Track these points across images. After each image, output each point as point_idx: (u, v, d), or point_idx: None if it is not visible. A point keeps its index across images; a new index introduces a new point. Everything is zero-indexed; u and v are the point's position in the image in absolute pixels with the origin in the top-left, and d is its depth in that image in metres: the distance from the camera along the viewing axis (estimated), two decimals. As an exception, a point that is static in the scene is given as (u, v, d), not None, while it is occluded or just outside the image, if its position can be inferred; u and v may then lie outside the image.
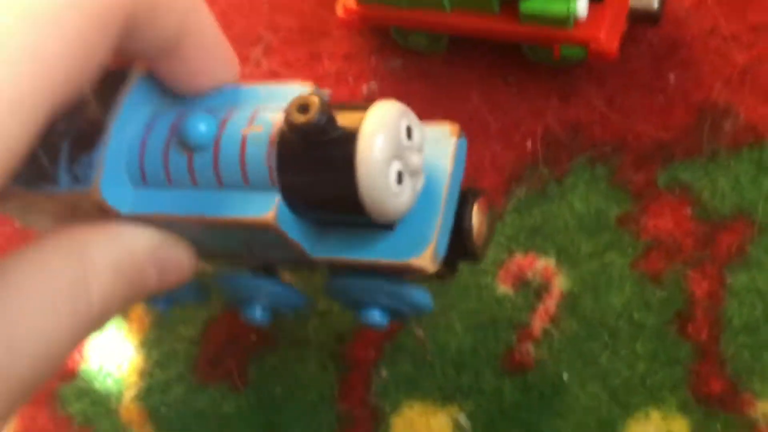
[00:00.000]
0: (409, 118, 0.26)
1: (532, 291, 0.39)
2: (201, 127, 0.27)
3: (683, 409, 0.36)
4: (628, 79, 0.41)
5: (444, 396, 0.39)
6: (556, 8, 0.38)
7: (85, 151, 0.27)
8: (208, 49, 0.27)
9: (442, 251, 0.28)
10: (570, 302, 0.38)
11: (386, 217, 0.26)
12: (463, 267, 0.39)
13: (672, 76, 0.41)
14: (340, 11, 0.43)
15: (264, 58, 0.47)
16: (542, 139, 0.41)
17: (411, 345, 0.40)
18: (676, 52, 0.41)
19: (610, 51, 0.38)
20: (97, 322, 0.24)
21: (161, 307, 0.34)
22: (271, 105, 0.28)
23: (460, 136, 0.29)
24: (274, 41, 0.47)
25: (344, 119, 0.25)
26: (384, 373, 0.39)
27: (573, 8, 0.37)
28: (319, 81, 0.45)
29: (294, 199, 0.27)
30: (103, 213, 0.28)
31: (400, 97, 0.44)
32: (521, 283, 0.39)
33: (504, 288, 0.39)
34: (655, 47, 0.42)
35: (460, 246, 0.29)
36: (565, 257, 0.39)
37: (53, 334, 0.23)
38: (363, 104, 0.26)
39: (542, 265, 0.39)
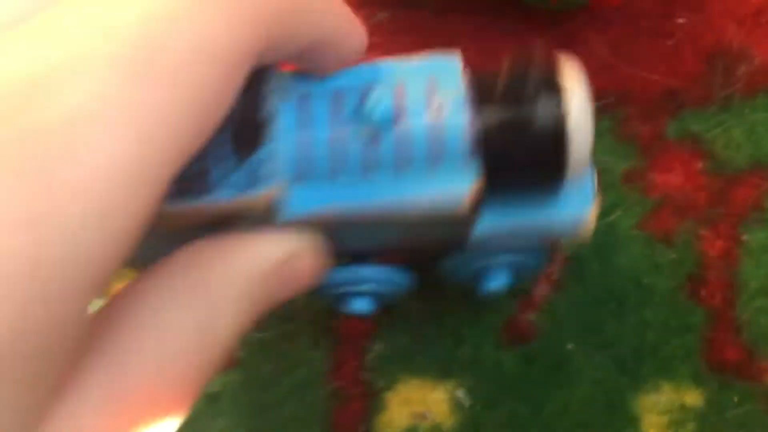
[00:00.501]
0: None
1: (533, 256, 0.36)
2: (385, 100, 0.24)
3: (696, 379, 0.34)
4: (634, 23, 0.38)
5: (441, 370, 0.36)
6: (551, -51, 0.34)
7: (242, 155, 0.24)
8: (341, 36, 0.23)
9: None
10: (574, 267, 0.36)
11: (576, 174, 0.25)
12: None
13: (681, 19, 0.38)
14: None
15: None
16: (541, 91, 0.39)
17: (406, 317, 0.37)
18: (686, -8, 0.38)
19: (613, -7, 0.35)
20: (219, 360, 0.21)
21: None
22: (432, 79, 0.25)
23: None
24: None
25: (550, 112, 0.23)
26: (378, 347, 0.37)
27: (570, -52, 0.34)
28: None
29: (497, 181, 0.25)
30: (252, 222, 0.24)
31: (391, 51, 0.42)
32: (521, 247, 0.37)
33: (503, 254, 0.37)
34: (663, -13, 0.38)
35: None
36: (568, 219, 0.36)
37: (177, 378, 0.20)
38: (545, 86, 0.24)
39: (543, 227, 0.37)
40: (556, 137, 0.23)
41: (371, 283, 0.30)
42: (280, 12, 0.19)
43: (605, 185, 0.36)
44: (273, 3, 0.19)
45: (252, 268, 0.22)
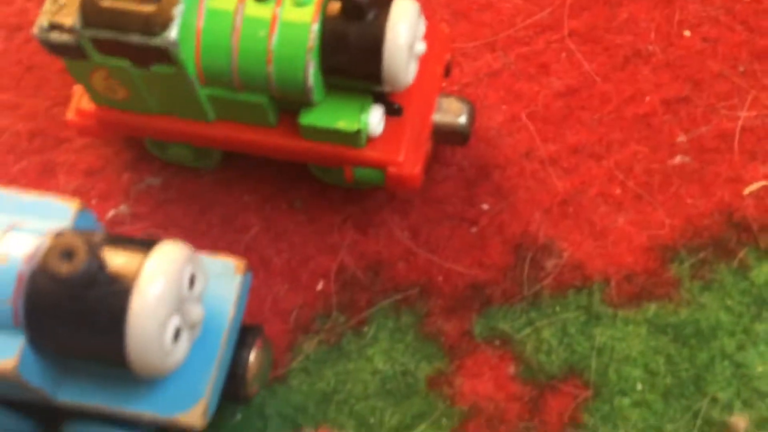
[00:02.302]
0: (194, 264, 0.25)
1: (323, 481, 0.30)
2: None
3: None
4: (437, 207, 0.35)
5: None
6: (343, 122, 0.30)
7: None
8: None
9: (215, 405, 0.27)
10: (371, 495, 0.30)
11: (155, 376, 0.24)
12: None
13: (485, 205, 0.35)
14: (71, 114, 0.33)
15: (-21, 170, 0.36)
16: (336, 278, 0.33)
17: None
18: (490, 177, 0.35)
19: (412, 177, 0.31)
20: None
21: None
22: (22, 221, 0.25)
23: (245, 273, 0.28)
24: (-6, 149, 0.37)
25: (118, 261, 0.23)
26: None
27: (364, 123, 0.30)
28: (52, 201, 0.35)
29: (47, 349, 0.25)
30: None
31: (158, 224, 0.35)
32: (309, 470, 0.30)
33: (287, 478, 0.30)
34: (466, 171, 0.35)
35: (232, 391, 0.28)
36: (365, 433, 0.31)
37: None
38: (143, 242, 0.25)
39: (336, 444, 0.30)
40: (111, 338, 0.23)
41: None
42: None
43: (408, 392, 0.31)
44: None
45: None
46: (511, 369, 0.31)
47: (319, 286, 0.33)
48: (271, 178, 0.35)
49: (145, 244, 0.24)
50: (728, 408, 0.30)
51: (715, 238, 0.34)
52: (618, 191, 0.35)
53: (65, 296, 0.23)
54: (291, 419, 0.31)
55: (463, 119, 0.33)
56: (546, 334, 0.32)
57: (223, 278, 0.27)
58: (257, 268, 0.34)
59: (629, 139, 0.36)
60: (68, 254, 0.23)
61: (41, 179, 0.36)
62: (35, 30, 0.29)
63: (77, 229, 0.26)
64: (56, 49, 0.30)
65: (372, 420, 0.31)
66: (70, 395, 0.26)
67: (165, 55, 0.28)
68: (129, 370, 0.24)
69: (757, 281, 0.33)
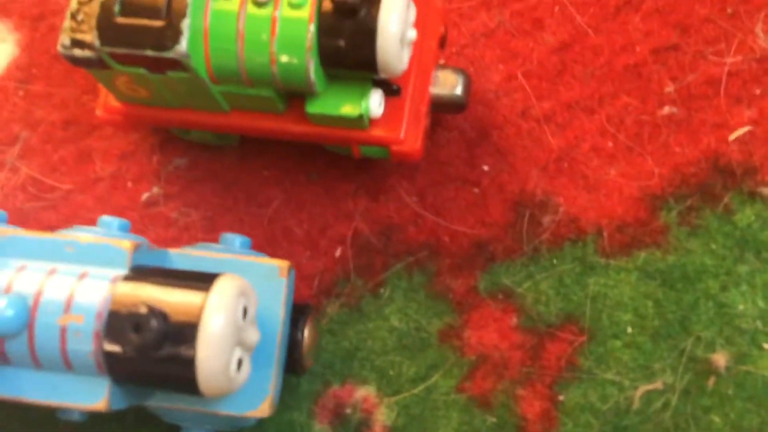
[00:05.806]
0: (246, 295, 0.27)
1: (353, 428, 0.34)
2: (8, 313, 0.27)
3: None
4: (440, 170, 0.37)
5: None
6: (346, 108, 0.33)
7: None
8: None
9: (278, 394, 0.30)
10: (394, 439, 0.34)
11: (224, 397, 0.28)
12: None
13: (486, 166, 0.37)
14: (100, 111, 0.36)
15: (21, 161, 0.39)
16: (353, 244, 0.37)
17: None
18: (489, 138, 0.38)
19: (414, 152, 0.34)
20: None
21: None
22: (87, 271, 0.28)
23: (289, 274, 0.31)
24: (32, 139, 0.40)
25: (178, 308, 0.26)
26: None
27: (365, 108, 0.33)
28: (91, 186, 0.39)
29: (130, 390, 0.28)
30: None
31: (189, 202, 0.39)
32: (340, 419, 0.34)
33: (321, 427, 0.34)
34: (467, 133, 0.38)
35: (291, 367, 0.31)
36: (387, 384, 0.35)
37: None
38: (199, 279, 0.27)
39: (362, 395, 0.35)
40: (186, 381, 0.26)
41: None
42: None
43: (422, 346, 0.35)
44: None
45: None
46: (514, 320, 0.35)
47: (338, 253, 0.37)
48: (288, 152, 0.38)
49: (201, 281, 0.27)
50: (711, 345, 0.34)
51: (702, 184, 0.36)
52: (610, 144, 0.37)
53: (139, 359, 0.26)
54: (320, 375, 0.35)
55: (459, 90, 0.35)
56: (544, 286, 0.35)
57: (271, 281, 0.30)
58: (280, 238, 0.37)
59: (620, 91, 0.38)
60: (137, 328, 0.26)
61: (79, 166, 0.39)
62: (59, 47, 0.32)
63: (135, 269, 0.29)
64: (80, 62, 0.32)
65: (391, 372, 0.35)
66: (155, 402, 0.30)
67: (178, 64, 0.31)
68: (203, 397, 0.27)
69: (740, 224, 0.35)
